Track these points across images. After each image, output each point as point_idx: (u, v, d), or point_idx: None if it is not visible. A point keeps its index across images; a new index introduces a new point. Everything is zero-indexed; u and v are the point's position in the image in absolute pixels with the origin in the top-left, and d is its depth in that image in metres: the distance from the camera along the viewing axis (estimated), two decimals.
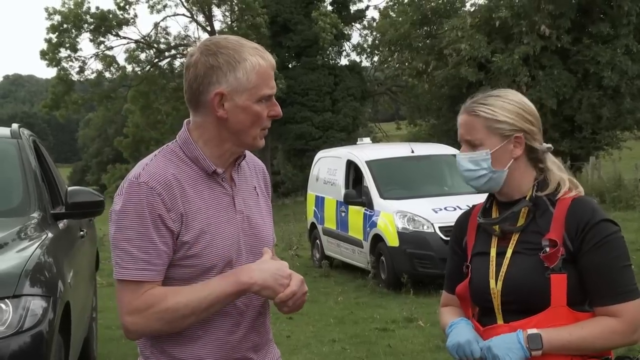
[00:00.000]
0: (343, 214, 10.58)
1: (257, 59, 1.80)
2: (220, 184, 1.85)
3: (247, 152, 2.00)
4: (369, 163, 10.28)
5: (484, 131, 1.91)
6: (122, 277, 1.76)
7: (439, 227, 8.88)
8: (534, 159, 1.96)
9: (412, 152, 10.71)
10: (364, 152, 10.88)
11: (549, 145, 1.98)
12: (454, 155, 11.30)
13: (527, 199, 1.92)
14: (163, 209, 1.75)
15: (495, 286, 1.91)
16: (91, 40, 33.83)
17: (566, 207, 1.88)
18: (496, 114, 1.90)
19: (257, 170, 2.02)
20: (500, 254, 1.93)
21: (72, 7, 32.70)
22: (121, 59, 36.13)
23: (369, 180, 10.01)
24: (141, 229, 1.74)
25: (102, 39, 33.89)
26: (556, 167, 1.97)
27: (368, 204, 9.80)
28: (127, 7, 33.68)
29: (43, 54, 32.81)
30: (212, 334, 1.82)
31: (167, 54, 35.85)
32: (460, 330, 1.95)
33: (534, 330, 1.81)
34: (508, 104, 1.92)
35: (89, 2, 33.09)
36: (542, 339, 1.80)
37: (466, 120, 1.95)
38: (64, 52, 33.13)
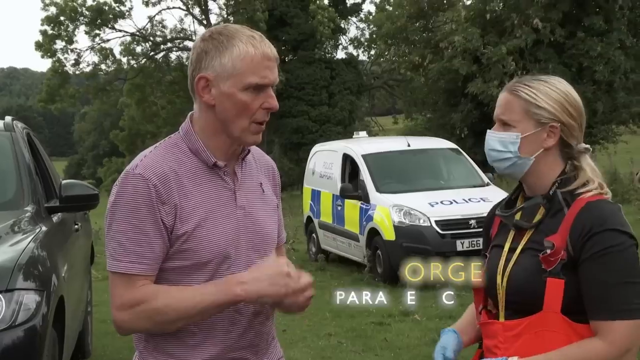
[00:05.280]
0: (339, 208, 10.57)
1: (246, 47, 1.74)
2: (222, 178, 1.81)
3: (257, 150, 1.97)
4: (365, 157, 10.25)
5: (520, 113, 1.82)
6: (113, 269, 1.74)
7: (435, 221, 8.88)
8: (567, 154, 1.85)
9: (409, 145, 10.69)
10: (360, 145, 10.85)
11: (587, 146, 1.87)
12: (451, 149, 11.32)
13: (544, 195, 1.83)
14: (157, 202, 1.72)
15: (501, 282, 1.85)
16: (87, 33, 33.73)
17: (576, 212, 1.77)
18: (537, 99, 1.81)
19: (266, 168, 1.98)
20: (512, 250, 1.86)
21: None
22: (116, 51, 36.07)
23: (365, 174, 9.99)
24: (134, 221, 1.72)
25: (97, 31, 33.79)
26: (590, 169, 1.84)
27: (364, 198, 9.78)
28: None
29: (38, 45, 32.67)
30: (208, 332, 1.78)
31: (162, 47, 35.75)
32: (441, 341, 1.95)
33: None
34: (553, 92, 1.83)
35: None
36: None
37: (506, 99, 1.86)
38: (59, 44, 33.04)
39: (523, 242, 1.84)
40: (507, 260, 1.85)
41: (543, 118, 1.82)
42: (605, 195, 1.82)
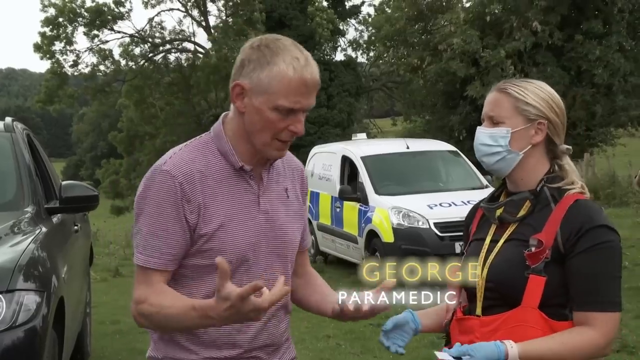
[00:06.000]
0: (338, 210, 10.57)
1: (287, 68, 1.74)
2: (247, 181, 1.84)
3: (287, 153, 1.96)
4: (364, 159, 10.27)
5: (510, 110, 1.90)
6: (135, 261, 1.80)
7: (434, 223, 8.88)
8: (552, 152, 1.93)
9: (407, 147, 10.70)
10: (359, 147, 10.86)
11: (569, 147, 1.96)
12: (449, 151, 11.33)
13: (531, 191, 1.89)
14: (182, 199, 1.76)
15: (481, 273, 1.89)
16: (85, 34, 33.72)
17: (566, 207, 1.84)
18: (526, 96, 1.90)
19: (294, 172, 2.00)
20: (494, 242, 1.91)
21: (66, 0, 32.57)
22: (115, 53, 36.08)
23: (364, 176, 10.01)
24: (157, 217, 1.76)
25: (96, 32, 33.77)
26: (571, 169, 1.94)
27: (363, 200, 9.79)
28: (123, 0, 33.57)
29: (37, 47, 32.66)
30: (222, 331, 1.81)
31: (161, 48, 35.74)
32: (396, 318, 2.00)
33: (514, 350, 1.73)
34: (540, 91, 1.92)
35: None
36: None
37: (495, 97, 1.94)
38: (58, 45, 33.01)
39: (506, 235, 1.88)
40: (489, 251, 1.90)
41: (531, 115, 1.90)
42: (586, 196, 1.90)
